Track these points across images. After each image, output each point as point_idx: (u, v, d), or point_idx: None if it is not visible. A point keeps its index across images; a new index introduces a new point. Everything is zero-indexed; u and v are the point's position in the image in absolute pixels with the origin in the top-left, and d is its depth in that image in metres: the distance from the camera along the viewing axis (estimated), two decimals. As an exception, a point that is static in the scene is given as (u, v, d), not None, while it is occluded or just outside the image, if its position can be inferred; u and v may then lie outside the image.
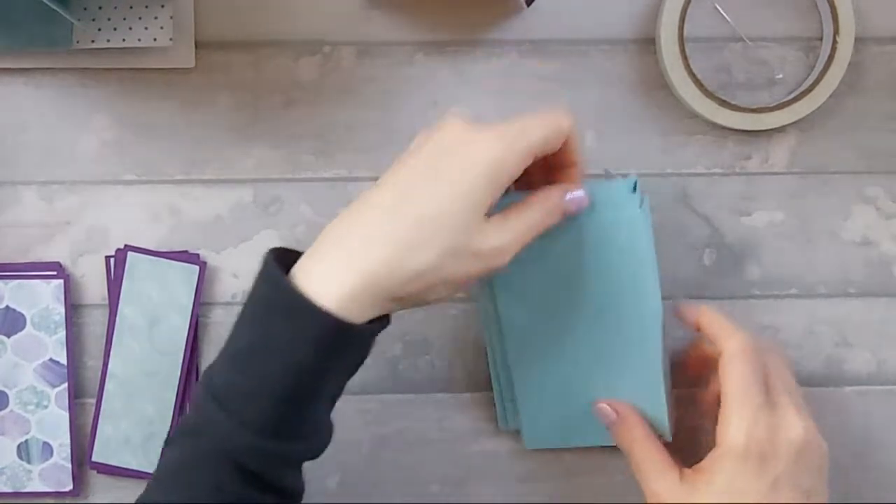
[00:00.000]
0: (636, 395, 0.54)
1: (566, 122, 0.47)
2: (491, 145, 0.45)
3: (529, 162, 0.46)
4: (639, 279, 0.52)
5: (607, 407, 0.54)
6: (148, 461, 0.59)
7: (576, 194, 0.49)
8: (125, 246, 0.59)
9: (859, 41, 0.58)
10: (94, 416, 0.59)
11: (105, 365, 0.59)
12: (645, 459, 0.51)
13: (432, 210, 0.44)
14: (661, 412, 0.53)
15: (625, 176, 0.55)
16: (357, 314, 0.43)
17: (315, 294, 0.42)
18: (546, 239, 0.48)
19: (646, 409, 0.54)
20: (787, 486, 0.47)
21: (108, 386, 0.59)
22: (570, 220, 0.50)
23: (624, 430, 0.53)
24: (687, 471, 0.50)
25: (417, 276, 0.43)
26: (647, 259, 0.51)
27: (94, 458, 0.59)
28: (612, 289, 0.52)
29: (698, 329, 0.53)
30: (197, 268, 0.59)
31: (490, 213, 0.45)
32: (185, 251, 0.59)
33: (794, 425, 0.48)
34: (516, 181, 0.46)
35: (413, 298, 0.45)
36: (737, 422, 0.47)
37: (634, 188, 0.51)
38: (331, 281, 0.43)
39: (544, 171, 0.50)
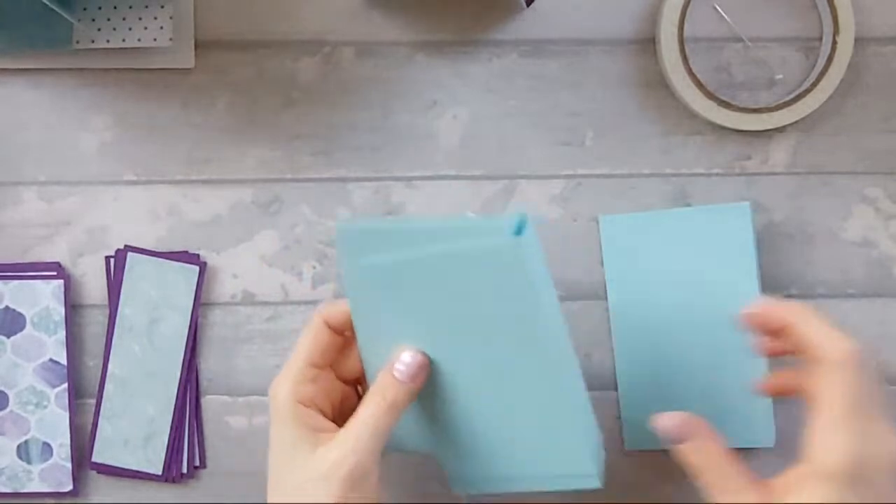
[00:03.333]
0: (562, 436, 0.48)
1: (318, 317, 0.50)
2: (273, 384, 0.49)
3: (310, 372, 0.49)
4: (537, 320, 0.45)
5: (677, 417, 0.45)
6: (148, 461, 0.59)
7: (399, 364, 0.47)
8: (125, 246, 0.59)
9: (859, 41, 0.58)
10: (94, 416, 0.59)
11: (105, 365, 0.59)
12: (724, 476, 0.44)
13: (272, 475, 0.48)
14: (593, 449, 0.48)
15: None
16: None
17: None
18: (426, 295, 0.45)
19: (578, 448, 0.48)
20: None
21: (108, 386, 0.59)
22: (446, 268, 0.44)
23: (699, 444, 0.45)
24: (762, 488, 0.44)
25: None
26: (539, 297, 0.44)
27: (93, 459, 0.59)
28: (508, 337, 0.45)
29: (780, 334, 0.46)
30: (197, 268, 0.59)
31: None
32: (185, 251, 0.59)
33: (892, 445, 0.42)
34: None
35: None
36: (835, 439, 0.41)
37: (519, 230, 0.42)
38: None
39: None
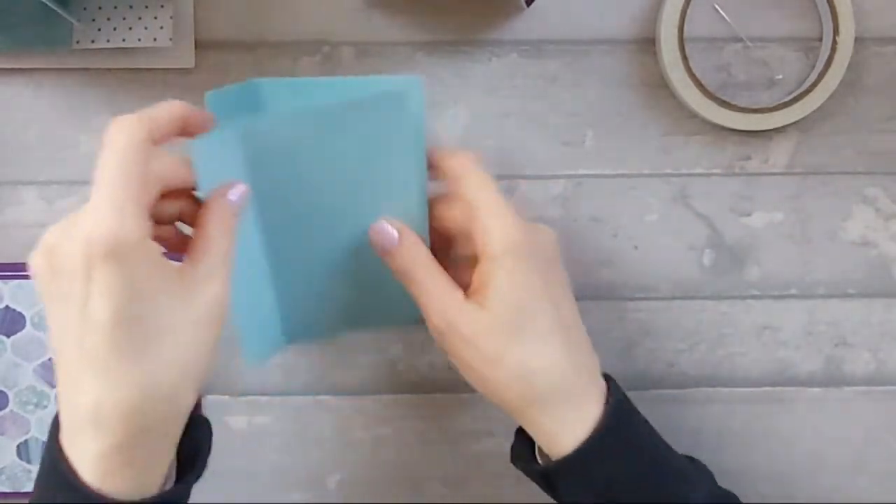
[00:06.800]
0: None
1: (139, 134, 0.41)
2: (108, 223, 0.39)
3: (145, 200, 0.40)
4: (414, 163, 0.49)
5: (387, 225, 0.48)
6: (148, 461, 0.59)
7: (234, 192, 0.44)
8: (125, 246, 0.59)
9: (859, 41, 0.58)
10: (94, 416, 0.59)
11: (105, 365, 0.59)
12: (431, 281, 0.47)
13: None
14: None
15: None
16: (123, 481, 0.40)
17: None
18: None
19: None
20: (556, 281, 0.47)
21: (108, 386, 0.59)
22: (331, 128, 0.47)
23: (406, 252, 0.48)
24: (460, 292, 0.47)
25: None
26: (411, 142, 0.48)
27: (93, 458, 0.59)
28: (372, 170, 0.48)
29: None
30: (197, 268, 0.59)
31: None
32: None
33: (542, 228, 0.48)
34: None
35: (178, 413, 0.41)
36: (503, 223, 0.46)
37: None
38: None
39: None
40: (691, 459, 0.50)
